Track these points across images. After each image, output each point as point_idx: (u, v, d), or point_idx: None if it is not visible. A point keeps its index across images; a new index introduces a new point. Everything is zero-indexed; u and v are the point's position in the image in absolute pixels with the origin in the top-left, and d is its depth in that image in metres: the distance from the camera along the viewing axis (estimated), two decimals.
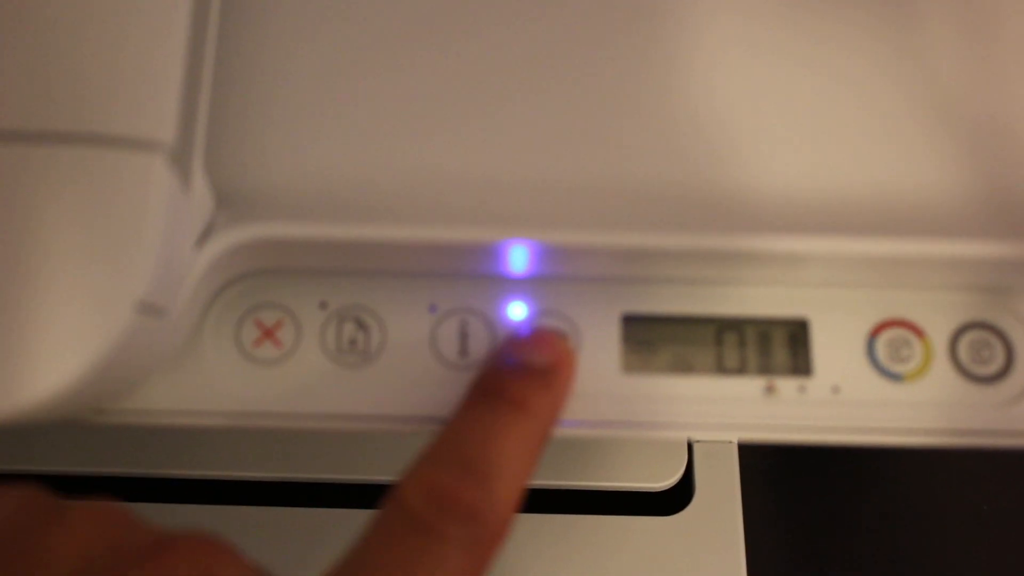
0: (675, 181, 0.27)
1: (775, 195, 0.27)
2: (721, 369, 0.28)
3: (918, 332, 0.28)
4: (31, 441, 0.41)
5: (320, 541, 0.39)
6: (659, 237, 0.26)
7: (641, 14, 0.29)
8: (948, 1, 0.29)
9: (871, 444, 0.27)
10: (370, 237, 0.25)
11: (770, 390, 0.28)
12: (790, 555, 0.47)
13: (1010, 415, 0.27)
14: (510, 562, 0.40)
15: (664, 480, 0.41)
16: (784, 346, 0.28)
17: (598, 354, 0.28)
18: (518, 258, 0.26)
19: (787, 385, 0.28)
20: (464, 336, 0.27)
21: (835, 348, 0.28)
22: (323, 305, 0.28)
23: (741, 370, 0.28)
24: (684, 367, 0.28)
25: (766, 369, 0.28)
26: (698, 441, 0.42)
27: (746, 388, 0.28)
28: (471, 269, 0.27)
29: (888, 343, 0.28)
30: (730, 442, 0.42)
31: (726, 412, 0.27)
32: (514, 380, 0.25)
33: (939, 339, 0.28)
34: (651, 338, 0.28)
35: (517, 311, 0.28)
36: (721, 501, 0.41)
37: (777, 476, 0.48)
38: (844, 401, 0.27)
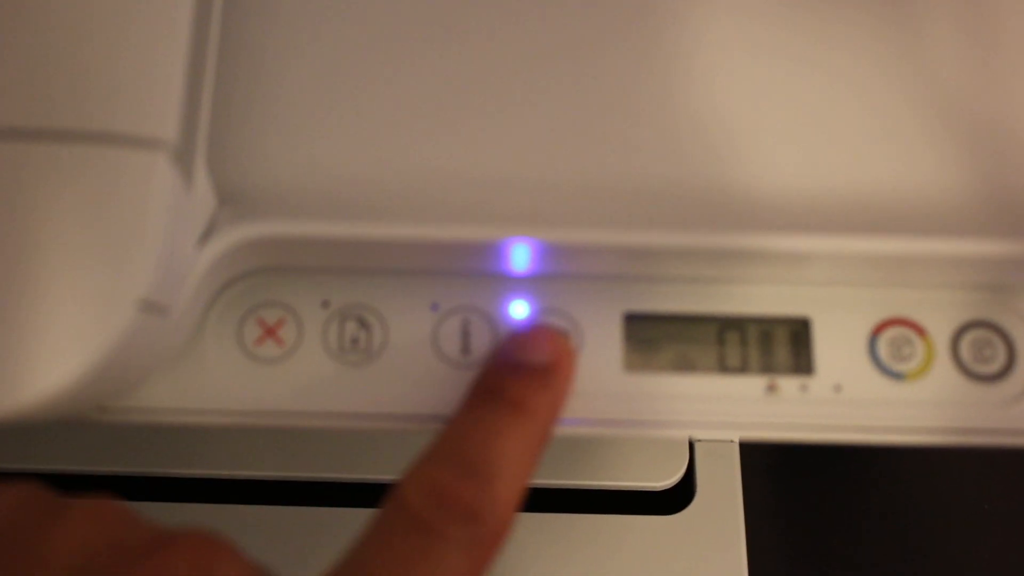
0: (677, 180, 0.27)
1: (777, 194, 0.27)
2: (723, 368, 0.28)
3: (920, 331, 0.28)
4: (32, 439, 0.41)
5: (320, 540, 0.39)
6: (661, 235, 0.26)
7: (643, 13, 0.29)
8: (948, 1, 0.29)
9: (873, 443, 0.27)
10: (372, 235, 0.25)
11: (772, 389, 0.28)
12: (791, 554, 0.47)
13: (1012, 414, 0.27)
14: (510, 562, 0.40)
15: (665, 479, 0.41)
16: (786, 345, 0.28)
17: (600, 352, 0.28)
18: (520, 256, 0.26)
19: (789, 384, 0.28)
20: (466, 335, 0.27)
21: (837, 347, 0.28)
22: (325, 304, 0.28)
23: (743, 369, 0.28)
24: (686, 366, 0.28)
25: (768, 368, 0.28)
26: (699, 440, 0.42)
27: (748, 387, 0.28)
28: (473, 268, 0.27)
29: (890, 342, 0.28)
30: (731, 441, 0.42)
31: (728, 411, 0.27)
32: (514, 380, 0.25)
33: (941, 338, 0.28)
34: (653, 337, 0.28)
35: (519, 309, 0.28)
36: (722, 500, 0.41)
37: (778, 475, 0.48)
38: (846, 400, 0.27)
